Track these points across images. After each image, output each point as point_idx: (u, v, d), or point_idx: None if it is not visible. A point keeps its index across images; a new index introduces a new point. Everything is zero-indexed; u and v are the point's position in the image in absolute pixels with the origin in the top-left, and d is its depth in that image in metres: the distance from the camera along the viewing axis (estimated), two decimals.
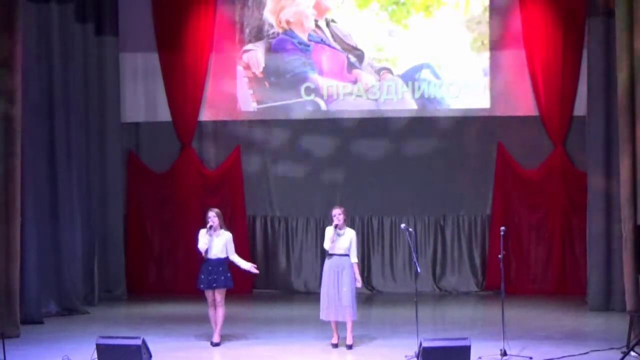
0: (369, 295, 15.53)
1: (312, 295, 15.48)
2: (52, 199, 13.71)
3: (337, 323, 10.93)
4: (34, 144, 13.21)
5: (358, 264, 11.03)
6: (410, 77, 15.71)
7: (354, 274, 10.85)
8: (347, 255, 10.85)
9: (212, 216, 11.02)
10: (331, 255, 10.88)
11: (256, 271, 11.26)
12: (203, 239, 11.01)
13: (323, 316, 10.93)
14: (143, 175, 16.13)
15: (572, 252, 15.34)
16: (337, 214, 10.82)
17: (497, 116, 15.69)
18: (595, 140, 13.86)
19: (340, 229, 10.83)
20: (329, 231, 10.87)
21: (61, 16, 13.85)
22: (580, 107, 15.13)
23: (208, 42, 15.87)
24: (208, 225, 10.99)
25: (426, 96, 15.71)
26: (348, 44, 15.77)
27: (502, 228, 10.58)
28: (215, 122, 16.15)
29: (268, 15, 15.92)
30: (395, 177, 15.79)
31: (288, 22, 15.89)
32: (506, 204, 15.61)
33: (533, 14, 15.31)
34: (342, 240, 10.83)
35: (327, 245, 10.89)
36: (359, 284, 10.97)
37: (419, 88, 15.72)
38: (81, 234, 14.28)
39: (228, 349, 10.97)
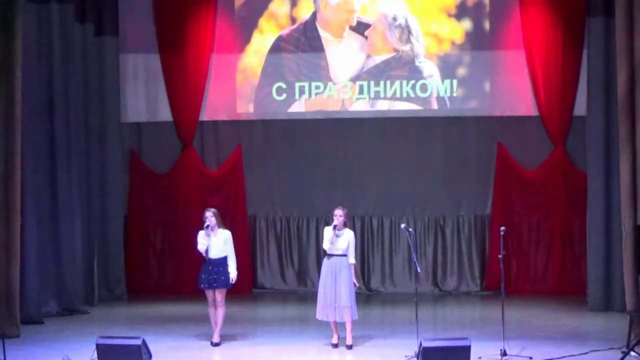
0: (368, 296, 15.53)
1: (312, 295, 15.42)
2: (52, 199, 13.72)
3: (337, 323, 10.94)
4: (34, 144, 13.22)
5: (355, 265, 11.05)
6: (410, 78, 15.70)
7: (352, 274, 10.86)
8: (346, 255, 10.87)
9: (209, 216, 11.03)
10: (330, 255, 10.90)
11: (232, 282, 11.17)
12: (202, 240, 11.02)
13: (319, 316, 10.94)
14: (144, 175, 16.15)
15: (572, 252, 15.34)
16: (339, 214, 10.84)
17: (497, 116, 15.69)
18: (595, 140, 13.87)
19: (339, 229, 10.84)
20: (328, 231, 10.88)
21: (61, 16, 13.86)
22: (580, 107, 15.12)
23: (209, 43, 15.87)
24: (205, 225, 11.00)
25: (426, 96, 15.70)
26: (351, 44, 15.79)
27: (502, 228, 10.57)
28: (216, 122, 16.16)
29: (269, 15, 15.93)
30: (395, 177, 15.80)
31: (289, 22, 15.91)
32: (506, 204, 15.61)
33: (533, 13, 15.30)
34: (340, 241, 10.85)
35: (326, 245, 10.91)
36: (357, 285, 11.01)
37: (419, 88, 15.71)
38: (81, 234, 14.29)
39: (228, 349, 10.98)
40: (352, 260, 10.90)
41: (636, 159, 11.43)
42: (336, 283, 10.78)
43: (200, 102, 15.96)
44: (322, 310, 10.88)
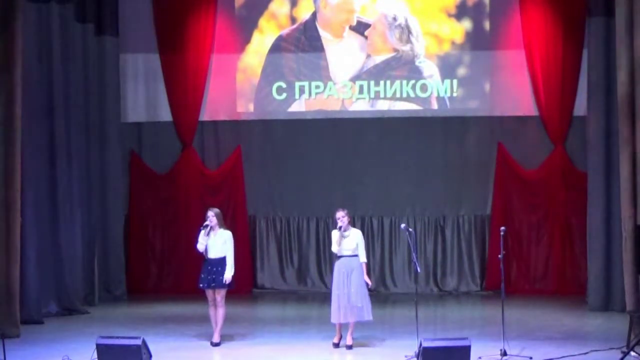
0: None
1: (312, 295, 15.52)
2: (52, 199, 13.71)
3: (342, 323, 10.91)
4: (34, 144, 13.21)
5: (367, 263, 11.06)
6: (410, 77, 15.70)
7: (363, 274, 10.85)
8: (356, 255, 10.87)
9: (211, 216, 11.04)
10: (339, 257, 10.90)
11: (226, 283, 11.11)
12: (201, 239, 11.02)
13: (334, 319, 10.89)
14: (144, 175, 16.14)
15: (572, 252, 15.34)
16: (341, 216, 10.86)
17: (497, 116, 15.70)
18: (595, 140, 13.87)
19: (344, 230, 10.84)
20: (335, 234, 10.89)
21: (61, 16, 13.85)
22: (580, 107, 15.13)
23: (209, 43, 15.87)
24: (204, 224, 11.00)
25: (426, 96, 15.70)
26: (351, 44, 15.79)
27: (502, 228, 10.58)
28: (216, 122, 16.16)
29: (269, 14, 15.94)
30: (395, 177, 15.80)
31: (289, 22, 15.92)
32: (506, 204, 15.62)
33: (533, 14, 15.31)
34: (348, 241, 10.85)
35: (334, 248, 10.91)
36: (370, 283, 10.99)
37: (419, 88, 15.71)
38: (81, 234, 14.28)
39: (228, 349, 10.98)
40: (363, 259, 10.90)
41: (636, 159, 11.43)
42: (348, 284, 10.75)
43: (200, 102, 15.96)
44: (337, 313, 10.82)
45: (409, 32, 15.65)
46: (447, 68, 15.69)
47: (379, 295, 15.60)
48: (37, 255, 12.98)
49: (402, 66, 15.72)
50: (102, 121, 15.21)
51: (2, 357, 10.03)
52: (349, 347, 10.80)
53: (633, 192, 11.47)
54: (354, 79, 15.80)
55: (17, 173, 11.92)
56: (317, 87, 15.88)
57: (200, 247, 11.04)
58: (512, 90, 15.61)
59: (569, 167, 15.38)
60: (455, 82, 15.69)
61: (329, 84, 15.85)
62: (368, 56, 15.76)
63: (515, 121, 15.66)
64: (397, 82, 15.72)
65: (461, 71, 15.70)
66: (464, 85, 15.69)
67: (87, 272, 14.59)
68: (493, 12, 15.59)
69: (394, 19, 15.69)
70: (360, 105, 15.86)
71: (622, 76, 11.58)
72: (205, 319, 11.66)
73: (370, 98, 15.82)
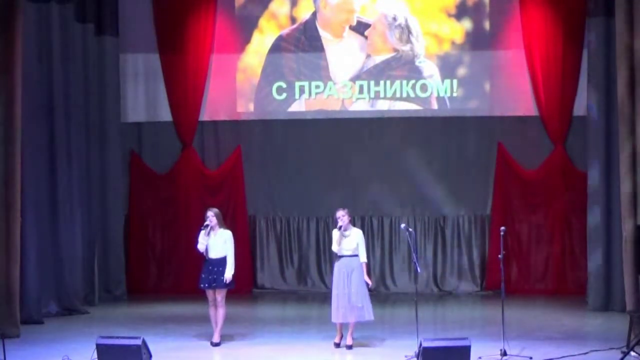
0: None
1: (312, 295, 15.51)
2: (52, 199, 13.71)
3: (342, 323, 10.91)
4: (34, 144, 13.21)
5: (367, 263, 11.06)
6: (410, 77, 15.70)
7: (364, 274, 10.85)
8: (356, 255, 10.87)
9: (210, 216, 11.04)
10: (340, 257, 10.90)
11: (226, 282, 11.06)
12: (201, 240, 11.02)
13: (334, 319, 10.88)
14: (144, 175, 16.15)
15: (572, 252, 15.34)
16: (341, 215, 10.85)
17: (497, 116, 15.70)
18: (595, 140, 13.86)
19: (345, 230, 10.84)
20: (335, 234, 10.89)
21: (61, 16, 13.86)
22: (580, 107, 15.13)
23: (209, 43, 15.87)
24: (204, 225, 11.00)
25: (426, 96, 15.70)
26: (351, 44, 15.79)
27: (502, 228, 10.57)
28: (216, 122, 16.16)
29: (269, 14, 15.94)
30: (395, 177, 15.80)
31: (289, 22, 15.92)
32: (506, 204, 15.62)
33: (533, 13, 15.31)
34: (348, 241, 10.85)
35: (334, 247, 10.92)
36: (370, 283, 10.97)
37: (419, 88, 15.71)
38: (81, 234, 14.28)
39: (228, 349, 10.98)
40: (363, 259, 10.90)
41: (636, 158, 11.43)
42: (349, 284, 10.74)
43: (200, 102, 15.96)
44: (336, 312, 10.82)
45: (409, 32, 15.65)
46: (447, 68, 15.69)
47: (379, 295, 15.59)
48: (37, 255, 12.98)
49: (402, 66, 15.72)
50: (102, 121, 15.21)
51: (2, 357, 10.03)
52: (349, 347, 10.80)
53: (633, 191, 11.47)
54: (354, 79, 15.80)
55: (17, 173, 11.93)
56: (317, 87, 15.88)
57: (200, 247, 11.05)
58: (512, 90, 15.61)
59: (569, 167, 15.38)
60: (455, 82, 15.69)
61: (329, 84, 15.85)
62: (368, 56, 15.76)
63: (515, 121, 15.66)
64: (397, 82, 15.72)
65: (461, 71, 15.70)
66: (464, 85, 15.69)
67: (87, 272, 14.59)
68: (493, 12, 15.59)
69: (394, 19, 15.69)
70: (360, 105, 15.86)
71: (622, 76, 11.58)
72: (205, 319, 11.66)
73: (370, 98, 15.82)
